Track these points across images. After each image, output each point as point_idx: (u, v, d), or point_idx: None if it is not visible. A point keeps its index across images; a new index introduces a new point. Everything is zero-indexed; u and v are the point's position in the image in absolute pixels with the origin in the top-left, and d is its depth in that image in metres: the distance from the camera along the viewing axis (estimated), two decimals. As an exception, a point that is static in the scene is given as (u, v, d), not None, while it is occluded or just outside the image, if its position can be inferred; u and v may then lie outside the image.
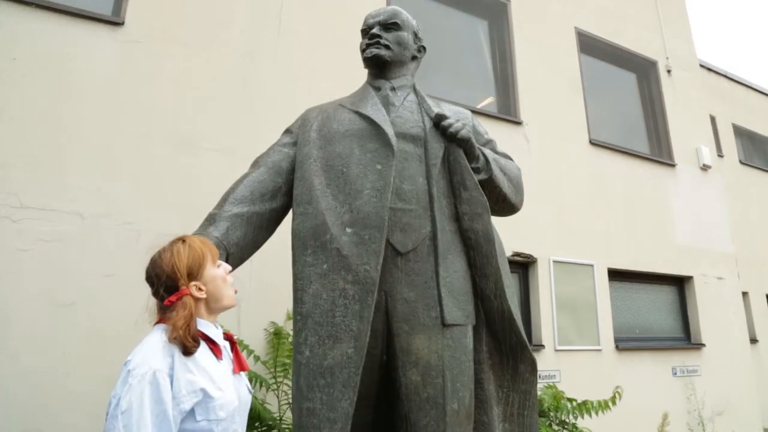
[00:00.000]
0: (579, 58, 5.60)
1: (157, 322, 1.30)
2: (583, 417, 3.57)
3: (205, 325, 1.32)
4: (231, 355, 1.38)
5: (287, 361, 3.02)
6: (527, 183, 2.28)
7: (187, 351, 1.22)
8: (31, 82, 2.98)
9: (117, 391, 1.14)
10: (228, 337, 1.39)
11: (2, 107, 2.89)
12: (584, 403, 3.59)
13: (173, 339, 1.21)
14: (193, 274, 1.31)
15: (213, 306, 1.35)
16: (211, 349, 1.30)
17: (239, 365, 1.37)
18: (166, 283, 1.29)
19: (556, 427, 3.49)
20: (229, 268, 1.42)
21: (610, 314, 4.92)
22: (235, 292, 1.42)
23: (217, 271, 1.36)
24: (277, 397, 3.01)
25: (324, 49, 4.00)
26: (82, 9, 3.21)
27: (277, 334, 3.17)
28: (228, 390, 1.26)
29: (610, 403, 3.63)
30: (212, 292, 1.34)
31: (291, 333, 3.18)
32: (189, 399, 1.17)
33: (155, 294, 1.31)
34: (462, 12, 5.26)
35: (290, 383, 2.65)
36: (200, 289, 1.31)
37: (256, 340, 3.17)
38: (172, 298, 1.27)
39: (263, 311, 3.30)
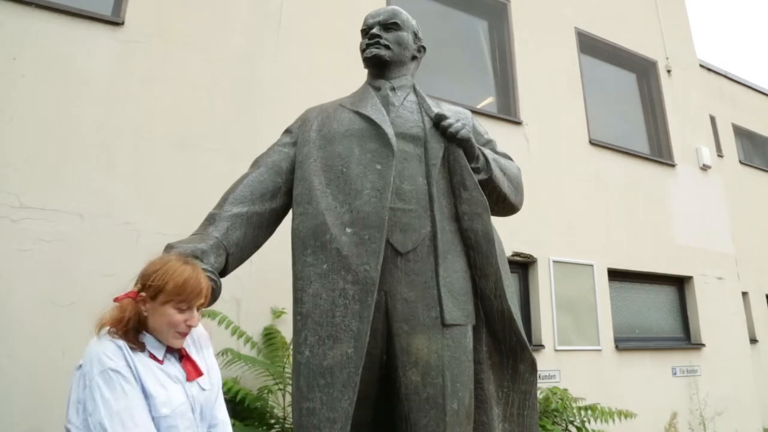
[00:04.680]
0: (579, 58, 5.60)
1: None
2: (589, 422, 3.60)
3: (146, 338, 1.31)
4: (179, 364, 1.36)
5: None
6: (527, 183, 2.28)
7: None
8: (31, 82, 2.98)
9: (80, 395, 1.20)
10: (175, 349, 1.36)
11: (2, 107, 2.89)
12: (593, 409, 3.62)
13: (102, 333, 1.26)
14: (150, 294, 1.28)
15: (151, 332, 1.31)
16: (149, 356, 1.30)
17: (194, 373, 1.35)
18: (136, 281, 1.31)
19: (559, 428, 3.51)
20: (194, 323, 1.33)
21: (610, 314, 4.92)
22: (183, 334, 1.33)
23: (172, 313, 1.28)
24: (283, 396, 3.01)
25: (324, 49, 4.00)
26: (82, 9, 3.21)
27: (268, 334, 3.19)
28: (171, 388, 1.27)
29: (618, 417, 3.66)
30: (153, 322, 1.30)
31: (280, 332, 3.21)
32: None
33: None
34: (462, 12, 5.26)
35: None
36: (144, 304, 1.28)
37: (256, 339, 3.17)
38: (122, 296, 1.29)
39: (263, 311, 3.31)
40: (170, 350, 1.35)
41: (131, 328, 1.27)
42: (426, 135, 1.91)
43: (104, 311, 1.30)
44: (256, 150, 2.16)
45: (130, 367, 1.22)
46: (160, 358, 1.31)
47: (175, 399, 1.27)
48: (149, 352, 1.30)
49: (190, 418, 1.29)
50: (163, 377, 1.28)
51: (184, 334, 1.33)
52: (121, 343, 1.25)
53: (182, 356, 1.37)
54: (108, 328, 1.26)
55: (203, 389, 1.37)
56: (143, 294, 1.28)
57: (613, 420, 3.68)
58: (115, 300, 1.31)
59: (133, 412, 1.18)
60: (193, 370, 1.36)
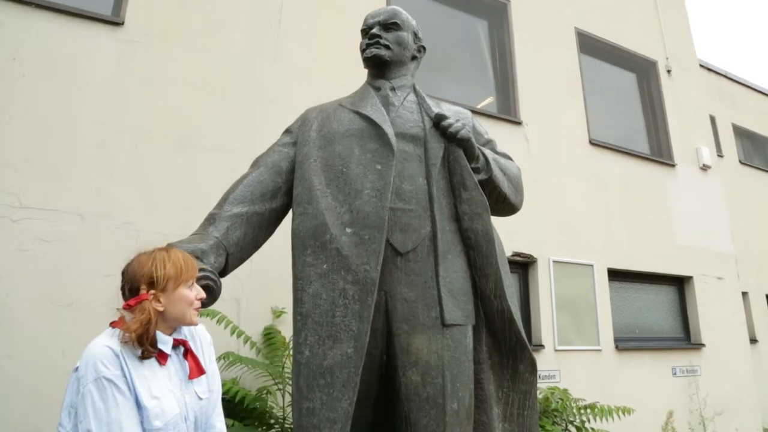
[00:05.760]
0: (579, 58, 5.60)
1: (112, 323, 1.30)
2: (589, 421, 3.60)
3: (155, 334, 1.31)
4: (184, 361, 1.36)
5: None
6: (527, 183, 2.28)
7: (142, 356, 1.25)
8: (31, 82, 2.98)
9: (73, 400, 1.20)
10: (181, 342, 1.37)
11: (2, 107, 2.89)
12: (593, 407, 3.63)
13: (125, 342, 1.23)
14: (161, 287, 1.29)
15: (169, 322, 1.33)
16: (155, 356, 1.29)
17: (196, 371, 1.36)
18: (132, 285, 1.30)
19: (559, 428, 3.52)
20: (203, 295, 1.40)
21: (610, 314, 4.92)
22: (198, 309, 1.39)
23: (186, 292, 1.34)
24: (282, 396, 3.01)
25: (324, 49, 4.00)
26: (82, 9, 3.21)
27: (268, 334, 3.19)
28: (165, 399, 1.26)
29: (617, 414, 3.67)
30: (173, 311, 1.31)
31: (280, 332, 3.21)
32: None
33: (122, 293, 1.33)
34: (462, 12, 5.26)
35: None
36: (159, 301, 1.29)
37: (256, 339, 3.17)
38: (131, 302, 1.28)
39: (263, 311, 3.31)
40: (175, 345, 1.35)
41: (155, 330, 1.27)
42: (426, 135, 1.91)
43: (128, 322, 1.26)
44: (256, 150, 2.16)
45: (125, 377, 1.21)
46: (168, 352, 1.31)
47: (168, 411, 1.25)
48: (158, 350, 1.29)
49: (182, 430, 1.29)
50: (158, 387, 1.26)
51: (198, 309, 1.38)
52: (119, 349, 1.23)
53: (186, 350, 1.37)
54: (129, 334, 1.23)
55: (200, 398, 1.37)
56: (154, 291, 1.29)
57: (613, 418, 3.68)
58: (125, 306, 1.29)
59: (123, 424, 1.17)
60: (195, 367, 1.36)
